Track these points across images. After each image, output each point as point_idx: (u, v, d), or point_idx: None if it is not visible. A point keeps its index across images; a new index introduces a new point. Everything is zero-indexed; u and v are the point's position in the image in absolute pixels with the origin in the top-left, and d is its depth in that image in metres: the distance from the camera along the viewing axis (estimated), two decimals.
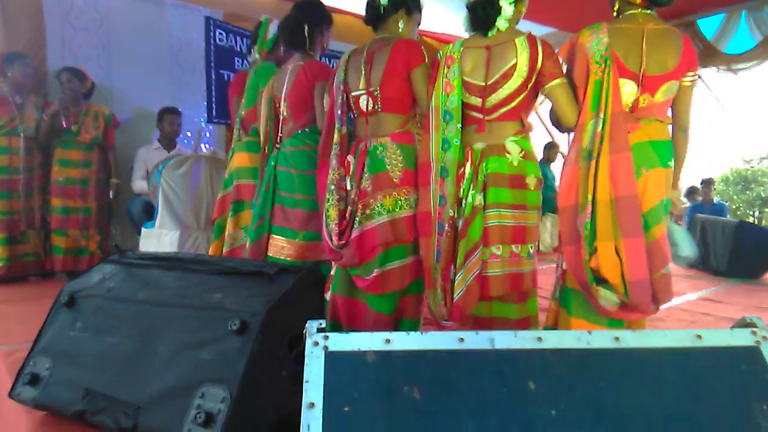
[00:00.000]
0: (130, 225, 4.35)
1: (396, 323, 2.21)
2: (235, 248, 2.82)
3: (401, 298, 2.20)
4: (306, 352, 0.91)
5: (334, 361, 0.89)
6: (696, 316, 3.41)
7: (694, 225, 5.53)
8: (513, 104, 1.98)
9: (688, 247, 2.16)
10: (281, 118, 2.60)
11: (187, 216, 3.48)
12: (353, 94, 2.23)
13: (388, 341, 0.92)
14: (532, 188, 2.00)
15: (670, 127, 2.00)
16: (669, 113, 2.01)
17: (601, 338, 0.94)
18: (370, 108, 2.18)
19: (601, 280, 1.84)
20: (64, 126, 3.99)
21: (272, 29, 2.99)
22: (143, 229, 3.60)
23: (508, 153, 1.98)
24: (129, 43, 4.51)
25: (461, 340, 0.93)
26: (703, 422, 0.87)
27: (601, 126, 1.84)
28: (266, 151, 2.66)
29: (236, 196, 2.85)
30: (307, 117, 2.53)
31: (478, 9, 1.99)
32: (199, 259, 1.98)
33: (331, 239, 2.18)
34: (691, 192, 7.62)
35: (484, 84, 1.99)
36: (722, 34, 5.28)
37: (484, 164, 1.97)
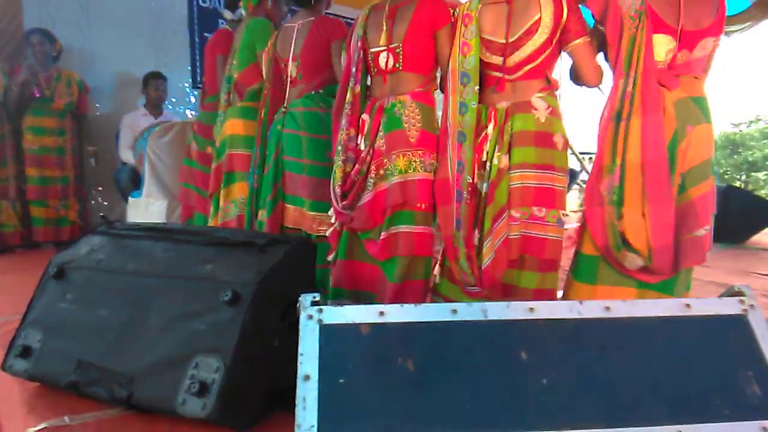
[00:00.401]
0: (117, 193, 4.30)
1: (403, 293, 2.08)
2: (227, 222, 2.68)
3: (406, 277, 2.07)
4: (300, 326, 0.92)
5: (328, 333, 0.90)
6: None
7: None
8: (538, 61, 1.90)
9: None
10: (289, 79, 2.45)
11: (174, 185, 3.44)
12: (372, 50, 2.11)
13: (381, 313, 0.93)
14: (560, 148, 1.92)
15: (703, 83, 1.91)
16: (703, 71, 1.92)
17: (592, 308, 0.96)
18: (390, 65, 2.07)
19: (628, 244, 1.79)
20: (37, 95, 3.86)
21: None
22: (130, 199, 3.56)
23: (535, 109, 1.90)
24: (109, 5, 4.37)
25: (454, 311, 0.93)
26: (691, 389, 0.89)
27: (631, 85, 1.76)
28: (263, 115, 2.51)
29: (228, 166, 2.69)
30: (321, 78, 2.41)
31: None
32: (189, 230, 1.97)
33: (336, 201, 2.11)
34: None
35: (505, 41, 1.90)
36: None
37: (509, 123, 1.90)
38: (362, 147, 2.10)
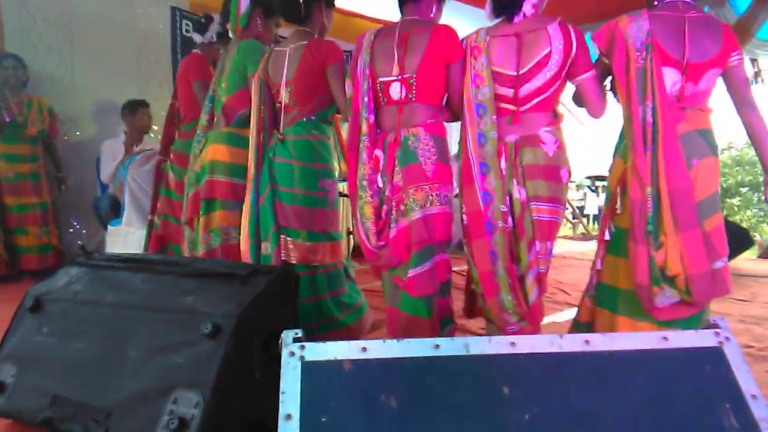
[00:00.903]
0: (97, 221, 4.24)
1: (437, 325, 2.08)
2: (212, 251, 2.54)
3: (437, 299, 2.07)
4: (282, 363, 0.91)
5: (310, 371, 0.89)
6: None
7: None
8: (547, 93, 1.92)
9: None
10: (281, 105, 2.35)
11: None
12: (382, 79, 2.03)
13: (364, 349, 0.92)
14: (564, 181, 1.96)
15: (709, 116, 1.95)
16: (708, 103, 1.96)
17: (572, 342, 0.97)
18: (402, 96, 2.01)
19: (666, 278, 1.78)
20: (7, 120, 3.80)
21: (244, 2, 2.60)
22: (110, 227, 3.52)
23: (543, 143, 1.92)
24: (93, 34, 4.36)
25: (437, 346, 0.93)
26: (670, 422, 0.91)
27: (651, 115, 1.78)
28: (262, 139, 2.38)
29: (208, 193, 2.53)
30: (314, 104, 2.32)
31: None
32: (169, 260, 1.95)
33: (368, 239, 2.04)
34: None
35: (515, 74, 1.91)
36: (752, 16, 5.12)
37: (519, 157, 1.91)
38: (380, 184, 2.04)
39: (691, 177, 1.80)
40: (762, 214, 6.62)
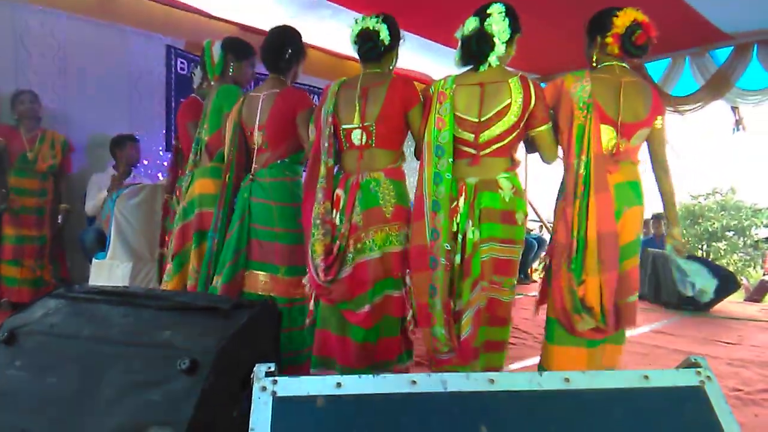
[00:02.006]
0: (82, 255, 4.19)
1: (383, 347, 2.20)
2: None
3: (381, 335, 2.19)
4: (253, 398, 0.88)
5: (282, 407, 0.86)
6: (648, 348, 3.49)
7: (645, 259, 5.71)
8: (505, 141, 2.05)
9: (701, 281, 2.34)
10: (255, 147, 2.49)
11: (141, 247, 3.38)
12: (344, 127, 2.20)
13: (339, 385, 0.90)
14: (520, 224, 2.08)
15: (639, 168, 2.16)
16: (638, 156, 2.18)
17: (552, 380, 0.95)
18: (363, 142, 2.17)
19: (585, 308, 1.98)
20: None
21: (216, 52, 2.83)
22: (94, 260, 3.47)
23: (501, 188, 2.04)
24: (87, 69, 4.40)
25: (414, 382, 0.91)
26: None
27: (583, 168, 1.99)
28: (227, 179, 2.53)
29: (198, 225, 2.65)
30: (286, 147, 2.46)
31: (472, 43, 2.04)
32: (150, 294, 1.92)
33: (317, 274, 2.12)
34: (643, 226, 7.84)
35: (477, 120, 2.04)
36: (668, 77, 5.56)
37: (478, 199, 2.03)
38: (337, 222, 2.16)
39: (618, 224, 2.01)
40: (748, 258, 6.69)
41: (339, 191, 2.20)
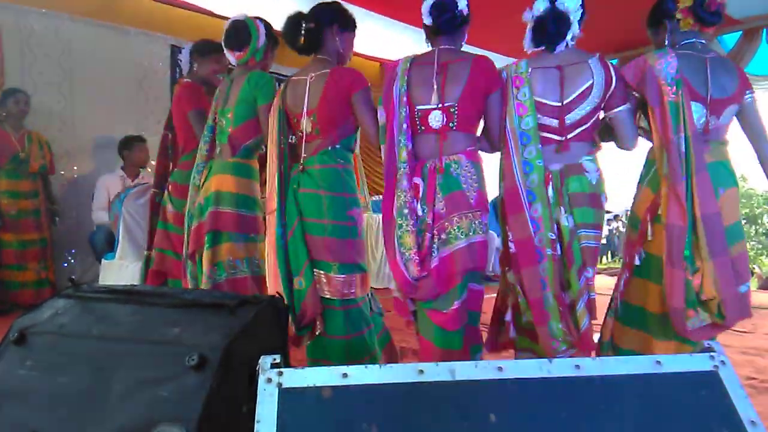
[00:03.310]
0: (91, 256, 4.22)
1: (468, 356, 2.03)
2: (218, 286, 2.40)
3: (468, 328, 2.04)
4: (258, 390, 0.87)
5: (288, 398, 0.85)
6: None
7: None
8: (588, 124, 1.99)
9: None
10: (303, 135, 2.27)
11: None
12: (420, 107, 2.03)
13: (345, 375, 0.89)
14: (604, 208, 2.02)
15: (728, 148, 2.08)
16: (727, 136, 2.09)
17: (562, 367, 0.93)
18: (443, 124, 2.00)
19: (700, 301, 1.87)
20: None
21: (263, 34, 2.53)
22: (103, 261, 3.50)
23: (587, 171, 1.98)
24: (92, 71, 4.44)
25: (421, 372, 0.90)
26: None
27: (683, 146, 1.88)
28: (282, 171, 2.30)
29: (213, 225, 2.42)
30: (338, 132, 2.24)
31: (548, 23, 1.96)
32: (157, 292, 1.92)
33: (407, 269, 1.98)
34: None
35: (560, 104, 1.97)
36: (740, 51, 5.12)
37: (565, 185, 1.96)
38: (419, 212, 2.01)
39: (719, 204, 1.89)
40: (760, 246, 6.61)
41: (417, 179, 2.02)
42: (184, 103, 2.88)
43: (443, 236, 1.96)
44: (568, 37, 1.98)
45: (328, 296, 2.20)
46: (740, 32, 5.02)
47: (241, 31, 2.51)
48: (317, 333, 2.23)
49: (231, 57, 2.58)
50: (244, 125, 2.48)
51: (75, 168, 4.50)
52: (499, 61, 2.15)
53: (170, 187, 2.96)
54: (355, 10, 2.38)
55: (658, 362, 0.95)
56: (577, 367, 0.93)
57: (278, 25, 2.55)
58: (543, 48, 2.03)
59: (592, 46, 2.10)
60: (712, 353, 0.97)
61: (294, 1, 4.62)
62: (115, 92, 4.57)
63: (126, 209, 3.36)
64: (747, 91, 2.03)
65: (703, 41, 2.07)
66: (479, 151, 2.10)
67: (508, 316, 2.10)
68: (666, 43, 2.10)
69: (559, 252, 1.94)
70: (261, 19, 2.56)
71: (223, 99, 2.57)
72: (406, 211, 1.98)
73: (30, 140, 3.94)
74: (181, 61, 3.14)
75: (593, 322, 1.99)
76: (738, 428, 0.87)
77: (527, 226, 1.93)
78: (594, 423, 0.89)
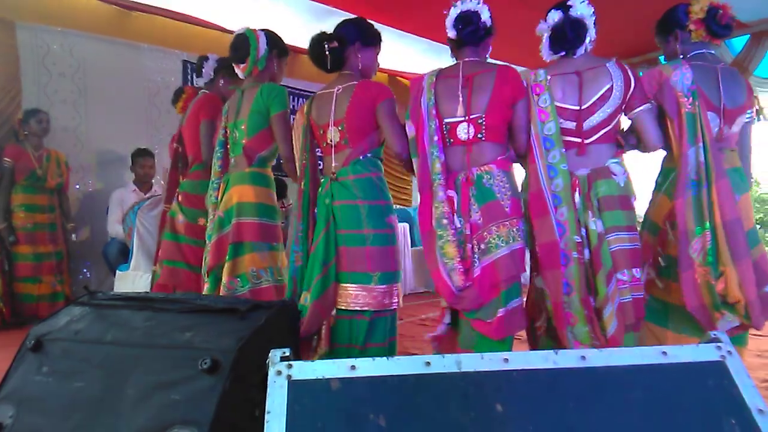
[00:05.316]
0: (105, 268, 4.28)
1: None
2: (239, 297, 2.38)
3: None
4: (269, 382, 0.89)
5: (297, 390, 0.87)
6: None
7: None
8: (610, 126, 2.01)
9: None
10: (331, 145, 2.27)
11: None
12: (448, 120, 2.05)
13: (353, 368, 0.90)
14: (634, 209, 2.04)
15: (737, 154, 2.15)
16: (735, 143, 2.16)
17: (568, 357, 0.94)
18: (471, 136, 2.02)
19: (726, 304, 1.91)
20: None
21: (262, 43, 2.54)
22: (118, 272, 3.54)
23: (614, 174, 1.99)
24: (106, 87, 4.53)
25: (428, 363, 0.91)
26: None
27: (703, 155, 1.93)
28: (303, 186, 2.31)
29: (237, 237, 2.42)
30: (368, 141, 2.24)
31: (567, 30, 1.99)
32: (170, 298, 1.95)
33: (452, 280, 1.96)
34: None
35: (578, 108, 2.00)
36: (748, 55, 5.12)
37: (594, 189, 1.97)
38: (457, 224, 2.01)
39: (739, 209, 1.94)
40: None
41: (450, 192, 2.03)
42: (202, 113, 2.90)
43: (483, 246, 1.97)
44: (587, 41, 2.01)
45: (363, 308, 2.16)
46: (748, 36, 5.00)
47: (241, 43, 2.55)
48: (321, 349, 2.20)
49: (238, 71, 2.63)
50: (258, 135, 2.51)
51: (90, 182, 4.58)
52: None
53: (180, 197, 2.95)
54: None
55: (664, 353, 0.95)
56: (583, 358, 0.94)
57: (289, 37, 2.59)
58: (562, 55, 2.06)
59: (598, 53, 2.12)
60: (719, 344, 0.97)
61: (304, 14, 4.74)
62: (128, 107, 4.66)
63: (140, 221, 3.41)
64: (749, 110, 2.12)
65: (713, 51, 2.12)
66: (509, 158, 2.11)
67: (540, 322, 2.10)
68: (679, 52, 2.15)
69: (587, 256, 1.94)
70: (265, 30, 2.59)
71: (234, 112, 2.60)
72: (445, 221, 1.99)
73: (48, 159, 4.06)
74: (201, 69, 3.08)
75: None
76: (746, 417, 0.87)
77: (553, 229, 1.94)
78: (600, 413, 0.89)
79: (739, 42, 5.13)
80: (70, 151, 4.29)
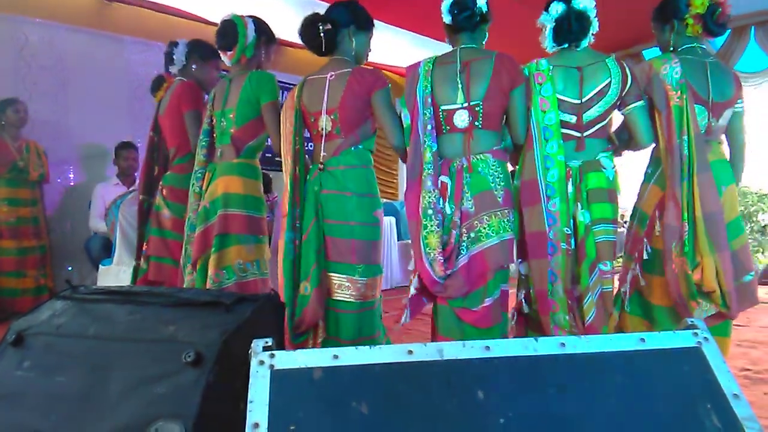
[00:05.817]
0: (88, 264, 4.23)
1: None
2: (225, 289, 2.36)
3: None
4: (251, 372, 0.89)
5: (279, 379, 0.87)
6: None
7: None
8: (605, 121, 2.05)
9: None
10: (322, 134, 2.25)
11: None
12: (444, 108, 2.03)
13: (335, 357, 0.91)
14: (618, 203, 2.07)
15: (724, 147, 2.21)
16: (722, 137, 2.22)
17: (548, 344, 0.95)
18: (468, 124, 2.01)
19: (702, 293, 1.97)
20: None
21: (251, 30, 2.48)
22: (101, 267, 3.51)
23: (604, 168, 2.02)
24: (87, 79, 4.47)
25: (410, 352, 0.92)
26: (650, 424, 0.88)
27: (686, 148, 1.98)
28: (297, 172, 2.27)
29: (222, 228, 2.39)
30: (361, 131, 2.22)
31: (570, 22, 1.99)
32: (153, 292, 1.93)
33: (433, 269, 1.96)
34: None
35: (579, 101, 2.02)
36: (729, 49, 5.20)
37: (584, 181, 2.00)
38: (447, 210, 2.01)
39: (721, 202, 2.00)
40: (755, 243, 6.67)
41: (443, 178, 2.03)
42: (183, 103, 2.82)
43: (473, 234, 1.97)
44: (589, 34, 2.04)
45: (347, 299, 2.17)
46: (729, 30, 5.07)
47: (228, 29, 2.49)
48: (319, 338, 2.20)
49: (225, 58, 2.57)
50: (247, 125, 2.47)
51: (71, 176, 4.52)
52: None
53: (165, 191, 2.88)
54: None
55: (642, 339, 0.97)
56: (563, 345, 0.95)
57: (275, 30, 2.56)
58: (564, 47, 2.08)
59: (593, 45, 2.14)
60: (695, 330, 0.99)
61: (290, 6, 4.70)
62: (110, 100, 4.60)
63: (122, 214, 3.38)
64: (739, 100, 2.15)
65: (703, 46, 2.16)
66: (504, 148, 2.12)
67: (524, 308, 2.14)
68: (670, 43, 2.19)
69: (572, 246, 1.97)
70: (252, 17, 2.54)
71: (221, 100, 2.54)
72: (430, 211, 1.98)
73: (28, 150, 3.99)
74: (172, 57, 2.96)
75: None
76: (721, 401, 0.89)
77: (542, 219, 1.97)
78: (580, 399, 0.91)
79: (720, 37, 5.19)
80: (50, 144, 4.22)
